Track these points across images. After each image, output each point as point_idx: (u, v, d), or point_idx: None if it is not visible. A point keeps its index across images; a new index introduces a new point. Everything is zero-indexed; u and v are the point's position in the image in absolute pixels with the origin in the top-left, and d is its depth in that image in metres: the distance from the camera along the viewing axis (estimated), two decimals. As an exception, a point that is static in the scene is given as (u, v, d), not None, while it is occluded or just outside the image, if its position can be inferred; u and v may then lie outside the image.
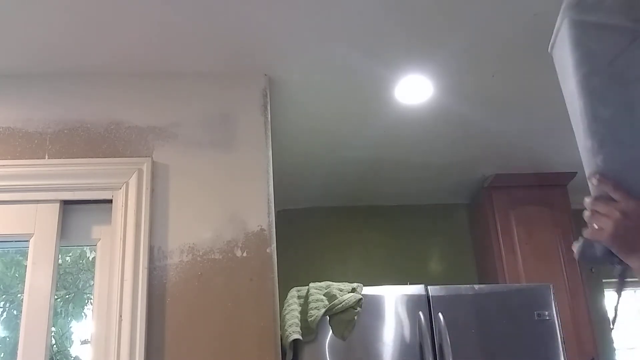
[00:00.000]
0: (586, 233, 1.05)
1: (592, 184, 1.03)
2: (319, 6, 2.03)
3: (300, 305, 2.48)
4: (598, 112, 1.02)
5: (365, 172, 3.22)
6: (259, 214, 2.13)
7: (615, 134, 1.01)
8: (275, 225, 2.19)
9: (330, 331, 2.40)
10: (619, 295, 1.09)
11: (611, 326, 1.18)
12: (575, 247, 1.09)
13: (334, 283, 2.56)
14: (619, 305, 1.09)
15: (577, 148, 1.18)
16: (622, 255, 1.02)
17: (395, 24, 2.13)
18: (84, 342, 2.49)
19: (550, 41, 1.11)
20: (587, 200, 1.04)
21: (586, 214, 1.04)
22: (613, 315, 1.11)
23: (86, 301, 2.59)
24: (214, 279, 2.03)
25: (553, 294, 2.54)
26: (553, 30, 1.48)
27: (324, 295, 2.49)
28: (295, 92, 2.49)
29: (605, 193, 1.01)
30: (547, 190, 3.24)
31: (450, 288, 2.55)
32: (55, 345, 2.56)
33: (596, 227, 1.02)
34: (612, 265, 1.06)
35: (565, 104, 1.16)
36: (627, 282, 1.06)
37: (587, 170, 1.05)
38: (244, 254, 2.07)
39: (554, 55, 1.12)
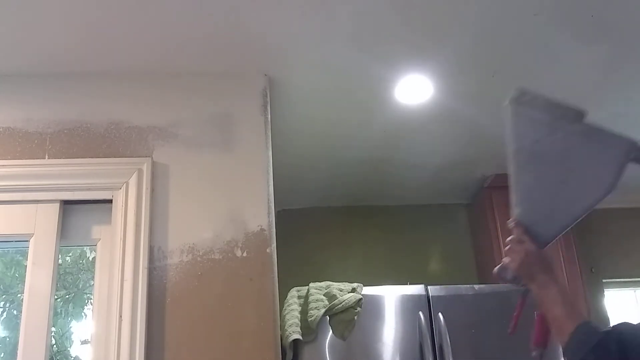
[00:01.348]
0: (504, 260, 1.43)
1: (510, 227, 1.42)
2: (319, 6, 2.03)
3: (300, 305, 2.48)
4: (520, 178, 1.40)
5: (365, 172, 3.22)
6: (259, 214, 2.13)
7: (530, 196, 1.40)
8: (275, 225, 2.19)
9: (330, 331, 2.40)
10: (520, 308, 1.47)
11: (509, 331, 1.52)
12: (496, 267, 1.47)
13: (334, 283, 2.56)
14: (518, 315, 1.47)
15: None
16: (524, 282, 1.41)
17: (395, 24, 2.13)
18: (84, 342, 2.49)
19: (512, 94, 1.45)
20: (507, 239, 1.42)
21: (506, 248, 1.42)
22: (512, 324, 1.49)
23: (86, 301, 2.59)
24: (214, 279, 2.03)
25: (553, 294, 2.54)
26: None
27: (324, 295, 2.49)
28: (295, 92, 2.49)
29: (518, 235, 1.40)
30: (547, 190, 3.23)
31: (450, 288, 2.55)
32: (55, 345, 2.56)
33: (509, 259, 1.41)
34: (518, 286, 1.45)
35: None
36: (527, 299, 1.45)
37: (511, 216, 1.42)
38: (244, 254, 2.07)
39: (505, 114, 1.47)
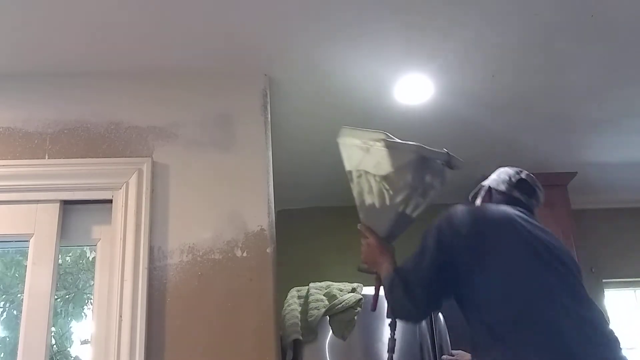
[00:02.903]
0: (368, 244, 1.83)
1: (359, 228, 1.86)
2: (319, 6, 2.03)
3: (300, 305, 2.48)
4: (355, 190, 1.85)
5: (365, 172, 3.22)
6: (259, 214, 2.13)
7: (362, 202, 1.83)
8: (275, 225, 2.19)
9: (330, 331, 2.40)
10: (377, 290, 1.85)
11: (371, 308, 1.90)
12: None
13: (334, 283, 2.56)
14: (376, 295, 1.86)
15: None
16: (372, 268, 1.83)
17: (395, 24, 2.13)
18: (84, 342, 2.49)
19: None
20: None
21: (364, 233, 1.84)
22: (373, 302, 1.89)
23: (86, 301, 2.59)
24: (214, 279, 2.03)
25: (553, 294, 2.54)
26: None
27: (324, 295, 2.49)
28: (295, 92, 2.49)
29: (364, 234, 1.84)
30: (547, 190, 3.18)
31: (450, 288, 2.55)
32: (55, 345, 2.56)
33: (362, 254, 1.84)
34: (374, 274, 1.84)
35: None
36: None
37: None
38: (244, 254, 2.07)
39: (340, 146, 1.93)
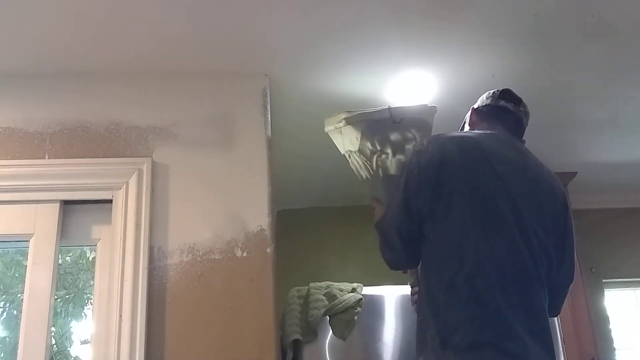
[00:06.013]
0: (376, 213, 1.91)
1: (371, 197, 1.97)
2: (319, 6, 2.03)
3: (300, 305, 2.49)
4: (353, 169, 1.99)
5: (365, 172, 3.22)
6: (259, 214, 2.13)
7: (361, 178, 1.97)
8: (275, 225, 2.18)
9: (330, 331, 2.40)
10: None
11: None
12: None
13: (334, 283, 2.57)
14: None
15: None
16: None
17: (395, 24, 2.13)
18: (84, 342, 2.49)
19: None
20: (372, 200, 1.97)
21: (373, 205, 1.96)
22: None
23: (86, 301, 2.60)
24: (214, 279, 2.03)
25: (553, 294, 2.54)
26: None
27: (324, 295, 2.49)
28: (295, 92, 2.49)
29: (372, 201, 1.95)
30: (547, 190, 3.23)
31: (450, 288, 2.55)
32: (55, 345, 2.56)
33: (376, 211, 1.92)
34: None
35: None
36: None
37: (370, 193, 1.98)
38: (244, 254, 2.07)
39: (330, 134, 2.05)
